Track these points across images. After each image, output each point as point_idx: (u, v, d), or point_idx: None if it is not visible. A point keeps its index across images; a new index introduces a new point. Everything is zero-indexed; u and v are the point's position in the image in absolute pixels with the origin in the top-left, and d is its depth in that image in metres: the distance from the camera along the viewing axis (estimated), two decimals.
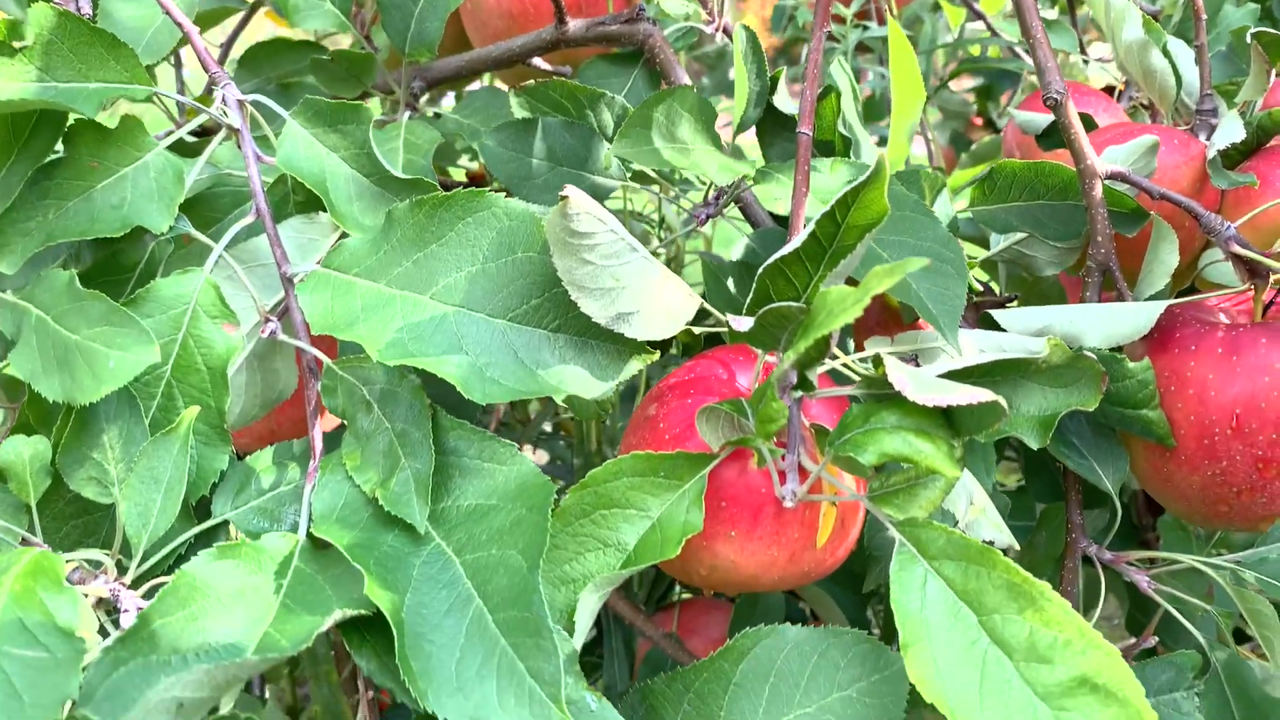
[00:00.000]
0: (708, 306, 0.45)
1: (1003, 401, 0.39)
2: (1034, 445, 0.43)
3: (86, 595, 0.43)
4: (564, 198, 0.40)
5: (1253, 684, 0.51)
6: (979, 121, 1.49)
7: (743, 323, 0.40)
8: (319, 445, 0.46)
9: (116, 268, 0.49)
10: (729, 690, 0.44)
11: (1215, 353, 0.54)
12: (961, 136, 1.47)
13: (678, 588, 0.85)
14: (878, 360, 0.42)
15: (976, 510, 0.50)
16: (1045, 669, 0.39)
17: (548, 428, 0.91)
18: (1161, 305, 0.55)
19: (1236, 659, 0.51)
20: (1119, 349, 0.55)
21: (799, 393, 0.43)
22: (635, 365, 0.44)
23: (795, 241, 0.41)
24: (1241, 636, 0.71)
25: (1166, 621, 0.69)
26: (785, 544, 0.46)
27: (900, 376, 0.40)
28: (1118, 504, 0.56)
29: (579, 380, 0.43)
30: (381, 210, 0.47)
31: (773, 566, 0.47)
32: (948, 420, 0.41)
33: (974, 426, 0.41)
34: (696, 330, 0.49)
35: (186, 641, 0.37)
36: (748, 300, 0.43)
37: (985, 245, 0.71)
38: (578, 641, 0.40)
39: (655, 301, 0.43)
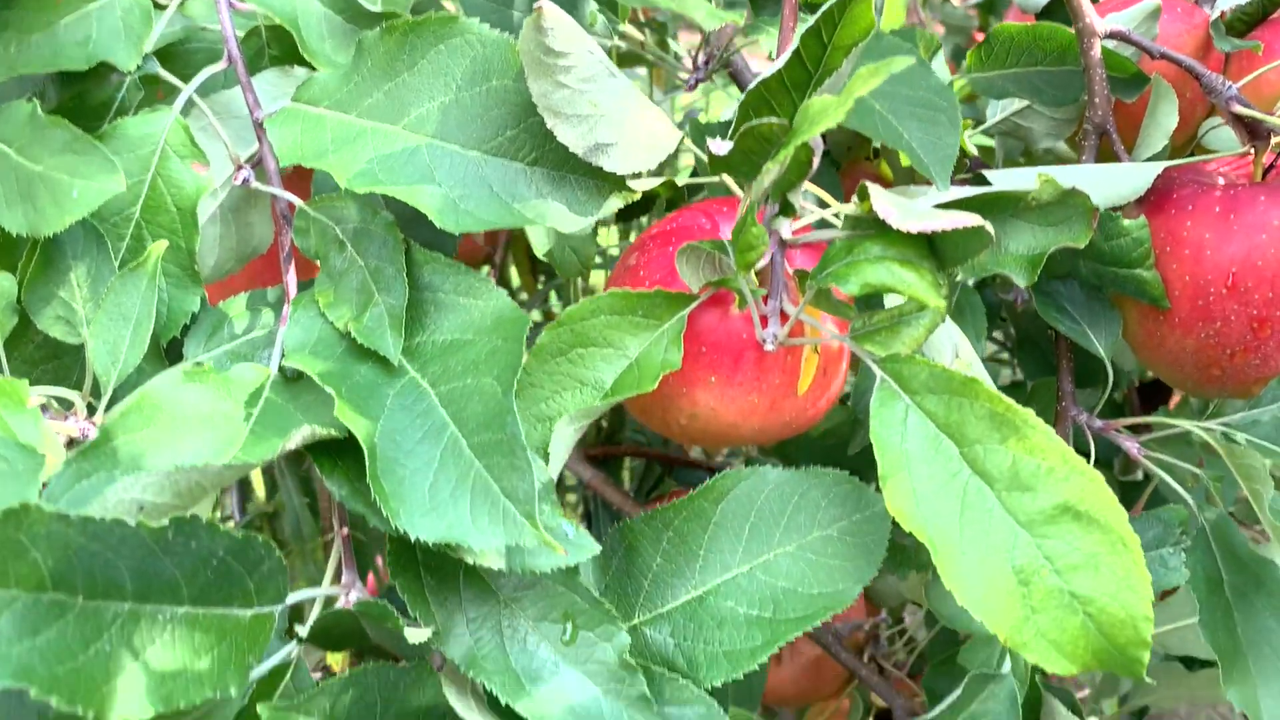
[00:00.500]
0: (689, 143, 0.44)
1: (989, 227, 0.38)
2: (1022, 283, 0.42)
3: (57, 434, 0.42)
4: (538, 9, 0.38)
5: (1240, 543, 0.50)
6: (981, 36, 1.46)
7: (721, 146, 0.39)
8: (293, 290, 0.45)
9: (84, 111, 0.48)
10: (709, 529, 0.43)
11: (1213, 211, 0.52)
12: (963, 51, 1.44)
13: (669, 481, 0.85)
14: (863, 193, 0.40)
15: (963, 365, 0.49)
16: (1027, 497, 0.38)
17: (537, 317, 0.90)
18: (1159, 166, 0.54)
19: (1225, 519, 0.51)
20: (1115, 210, 0.54)
21: (781, 220, 0.41)
22: (615, 202, 0.43)
23: (778, 63, 0.39)
24: None
25: (1156, 499, 0.69)
26: (766, 390, 0.46)
27: (885, 205, 0.39)
28: (1109, 369, 0.55)
29: (556, 214, 0.42)
30: (354, 48, 0.46)
31: (753, 414, 0.46)
32: (932, 251, 0.40)
33: (959, 255, 0.40)
34: (680, 183, 0.48)
35: (151, 460, 0.36)
36: (729, 132, 0.41)
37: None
38: (553, 470, 0.40)
39: (635, 131, 0.42)
